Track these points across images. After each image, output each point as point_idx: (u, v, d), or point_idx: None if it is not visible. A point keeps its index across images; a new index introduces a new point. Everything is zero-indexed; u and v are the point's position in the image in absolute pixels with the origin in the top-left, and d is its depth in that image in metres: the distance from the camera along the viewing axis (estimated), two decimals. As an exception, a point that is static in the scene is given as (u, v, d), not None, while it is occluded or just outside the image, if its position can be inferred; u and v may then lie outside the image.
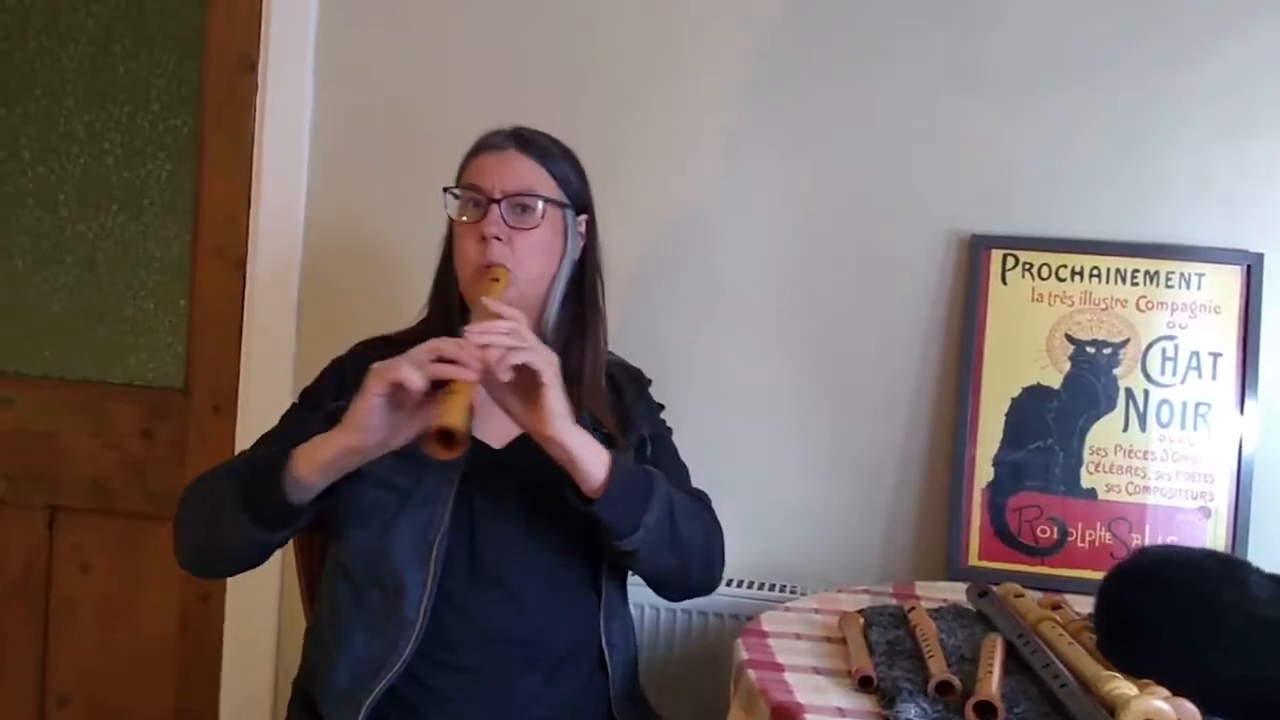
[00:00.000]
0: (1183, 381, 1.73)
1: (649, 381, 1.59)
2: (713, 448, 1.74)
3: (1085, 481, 1.73)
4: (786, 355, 1.86)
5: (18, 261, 2.11)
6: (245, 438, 1.97)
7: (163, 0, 2.04)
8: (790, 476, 1.86)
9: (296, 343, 1.97)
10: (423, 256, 1.89)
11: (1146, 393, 1.73)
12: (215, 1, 2.00)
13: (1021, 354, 1.76)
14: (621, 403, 1.50)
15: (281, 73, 1.96)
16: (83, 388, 2.09)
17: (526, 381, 1.28)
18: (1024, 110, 1.79)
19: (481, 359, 1.23)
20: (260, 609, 1.99)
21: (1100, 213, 1.78)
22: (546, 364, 1.28)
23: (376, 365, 1.25)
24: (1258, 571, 1.21)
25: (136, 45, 2.06)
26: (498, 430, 1.42)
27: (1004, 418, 1.76)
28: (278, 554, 1.43)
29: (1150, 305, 1.75)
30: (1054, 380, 1.75)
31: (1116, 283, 1.75)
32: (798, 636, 1.36)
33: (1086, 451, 1.73)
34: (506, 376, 1.26)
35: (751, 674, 1.22)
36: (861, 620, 1.35)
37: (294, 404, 1.50)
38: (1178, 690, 1.04)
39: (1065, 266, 1.76)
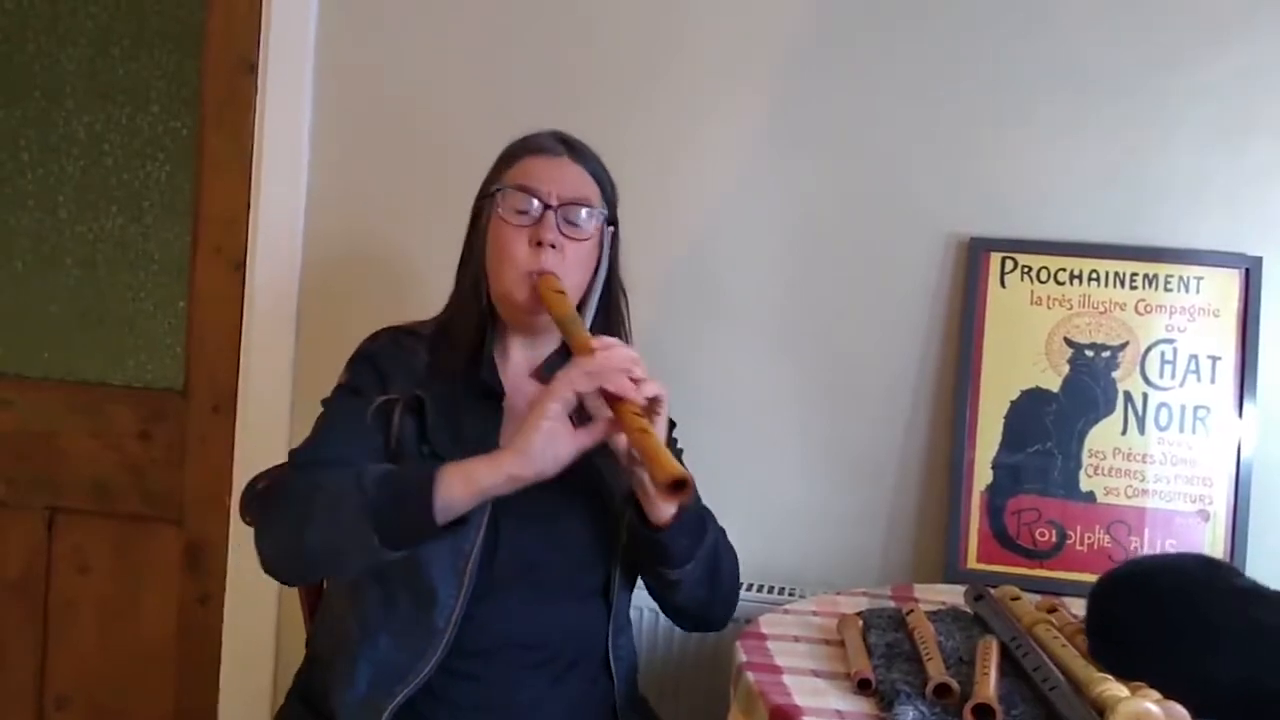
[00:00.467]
0: (1181, 385, 1.73)
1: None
2: (712, 449, 1.74)
3: (1084, 484, 1.73)
4: (786, 356, 1.86)
5: (17, 263, 2.11)
6: (244, 439, 1.98)
7: (162, 2, 2.05)
8: (789, 479, 1.86)
9: (296, 344, 1.97)
10: (422, 257, 1.90)
11: (1145, 396, 1.73)
12: (215, 3, 2.00)
13: (1020, 357, 1.76)
14: None
15: (281, 74, 1.96)
16: (82, 389, 2.09)
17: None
18: (1023, 113, 1.79)
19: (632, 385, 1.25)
20: (259, 610, 2.00)
21: (1099, 216, 1.78)
22: (665, 390, 1.30)
23: (548, 388, 1.24)
24: (1244, 576, 1.22)
25: (136, 47, 2.06)
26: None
27: (1003, 420, 1.76)
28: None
29: (1149, 308, 1.75)
30: (1053, 383, 1.75)
31: (1115, 286, 1.76)
32: (796, 639, 1.36)
33: (1085, 454, 1.73)
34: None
35: (750, 676, 1.22)
36: (860, 623, 1.35)
37: (333, 399, 1.43)
38: (1169, 694, 1.04)
39: (1064, 269, 1.77)
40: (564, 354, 1.45)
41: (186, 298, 2.05)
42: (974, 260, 1.79)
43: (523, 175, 1.42)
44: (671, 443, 1.56)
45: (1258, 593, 1.19)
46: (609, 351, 1.28)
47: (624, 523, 1.37)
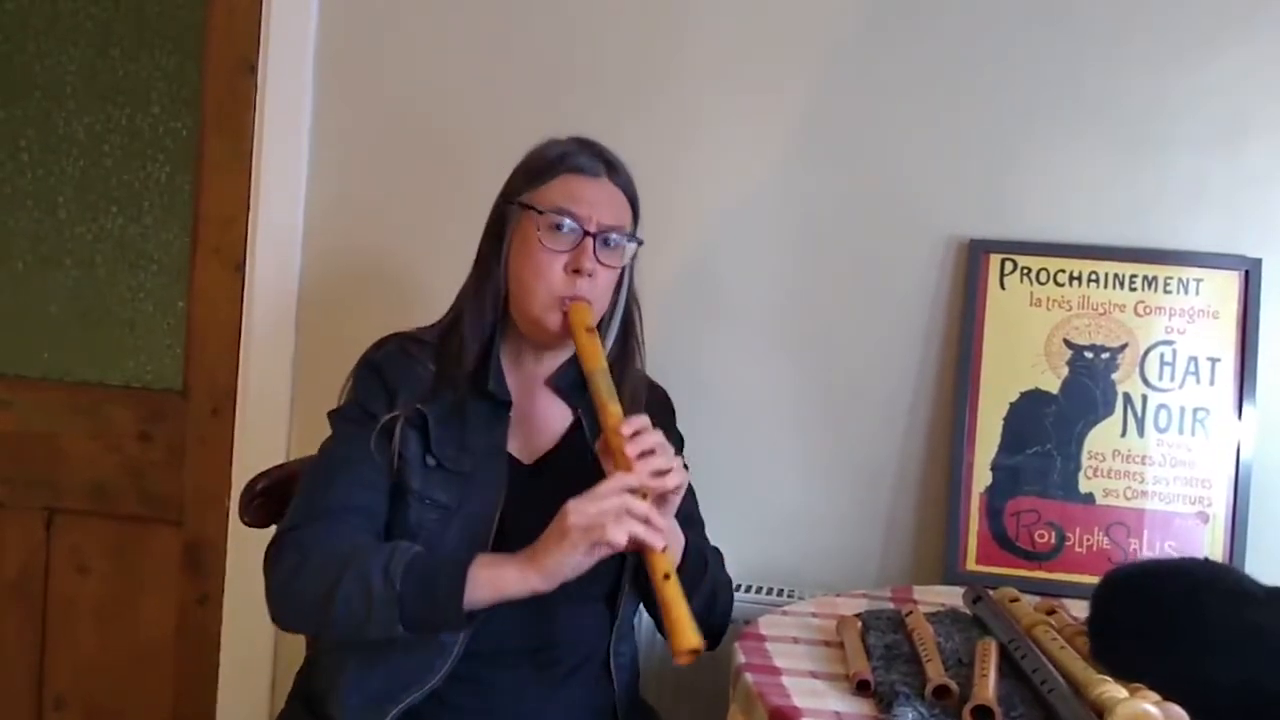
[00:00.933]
0: (1181, 386, 1.73)
1: (673, 409, 1.59)
2: (712, 451, 1.74)
3: (1083, 486, 1.73)
4: (785, 357, 1.86)
5: (17, 263, 2.11)
6: (244, 440, 1.98)
7: (162, 2, 2.05)
8: (789, 480, 1.86)
9: (295, 345, 1.97)
10: (422, 258, 1.90)
11: (1144, 398, 1.73)
12: (215, 4, 2.01)
13: (1020, 358, 1.76)
14: None
15: (281, 75, 1.96)
16: (81, 390, 2.09)
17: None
18: (1023, 115, 1.79)
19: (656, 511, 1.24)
20: (259, 611, 1.95)
21: (1098, 217, 1.78)
22: (685, 476, 1.30)
23: (577, 522, 1.21)
24: (1247, 578, 1.22)
25: (136, 47, 2.06)
26: (529, 446, 1.43)
27: (1002, 422, 1.76)
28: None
29: (1148, 310, 1.75)
30: (1052, 385, 1.75)
31: (1115, 287, 1.76)
32: (795, 640, 1.36)
33: (1084, 456, 1.73)
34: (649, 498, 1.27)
35: (749, 677, 1.22)
36: (859, 624, 1.35)
37: (341, 420, 1.42)
38: (1168, 696, 1.04)
39: (1064, 271, 1.77)
40: (577, 367, 1.43)
41: (186, 298, 2.05)
42: (973, 262, 1.79)
43: (563, 197, 1.39)
44: (681, 459, 1.56)
45: (1258, 595, 1.19)
46: (643, 463, 1.26)
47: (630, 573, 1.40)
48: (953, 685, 1.13)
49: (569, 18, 1.89)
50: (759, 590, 1.77)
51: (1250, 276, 1.73)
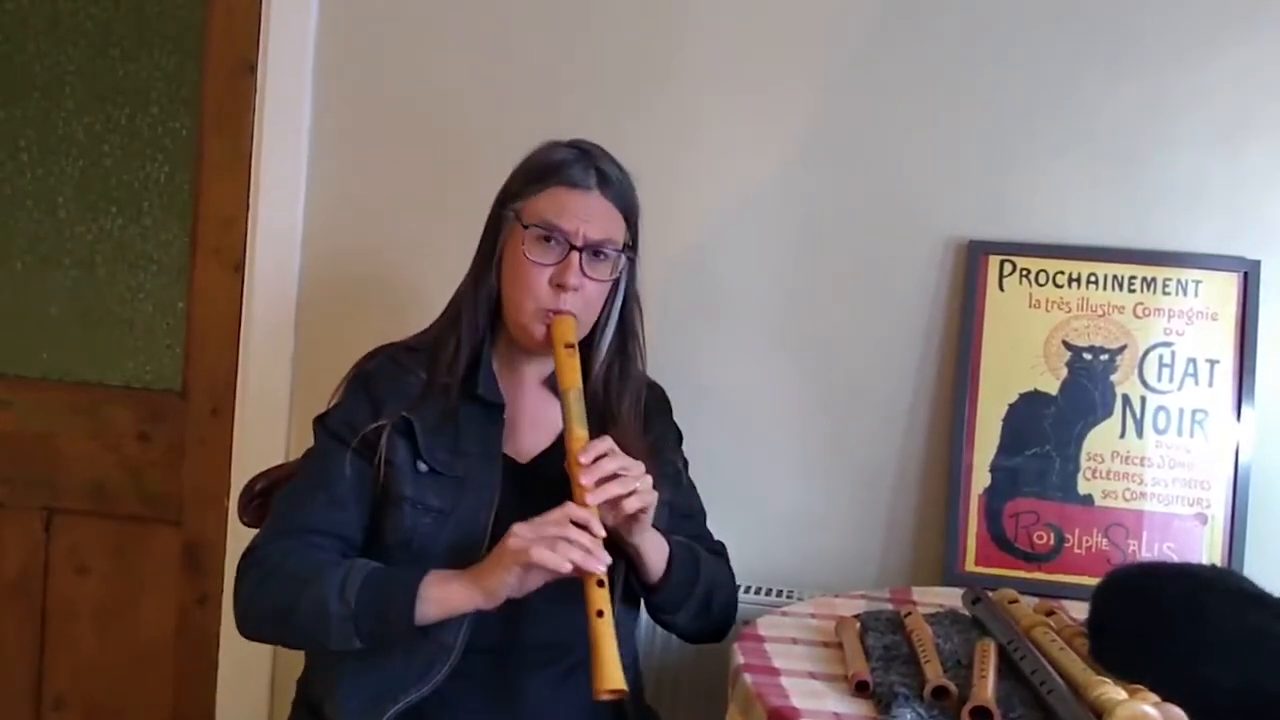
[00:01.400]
0: (1180, 388, 1.73)
1: (670, 406, 1.60)
2: (711, 452, 1.74)
3: (1082, 488, 1.73)
4: (785, 358, 1.86)
5: (16, 263, 2.11)
6: (243, 440, 1.98)
7: (162, 3, 2.05)
8: (788, 481, 1.86)
9: (295, 346, 1.97)
10: (422, 259, 1.90)
11: (1143, 399, 1.74)
12: (215, 4, 2.00)
13: (1019, 360, 1.76)
14: (651, 434, 1.50)
15: (281, 75, 1.96)
16: (80, 390, 2.09)
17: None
18: (1022, 117, 1.79)
19: (601, 536, 1.26)
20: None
21: (1098, 219, 1.78)
22: (652, 497, 1.32)
23: (514, 545, 1.25)
24: (1248, 582, 1.22)
25: (136, 47, 2.06)
26: (523, 446, 1.43)
27: (1001, 423, 1.76)
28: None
29: (1147, 312, 1.75)
30: (1051, 386, 1.75)
31: (1114, 289, 1.76)
32: (794, 641, 1.36)
33: (1083, 457, 1.73)
34: (615, 519, 1.31)
35: (748, 678, 1.22)
36: (858, 625, 1.35)
37: (324, 433, 1.43)
38: (1168, 697, 1.04)
39: (1062, 273, 1.77)
40: None
41: (185, 299, 2.05)
42: (972, 263, 1.79)
43: (551, 210, 1.39)
44: (680, 456, 1.57)
45: (1259, 598, 1.19)
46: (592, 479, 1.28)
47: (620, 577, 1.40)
48: (951, 686, 1.14)
49: (569, 18, 1.89)
50: (758, 591, 1.76)
51: (1249, 278, 1.73)
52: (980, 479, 1.75)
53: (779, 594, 1.76)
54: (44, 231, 2.09)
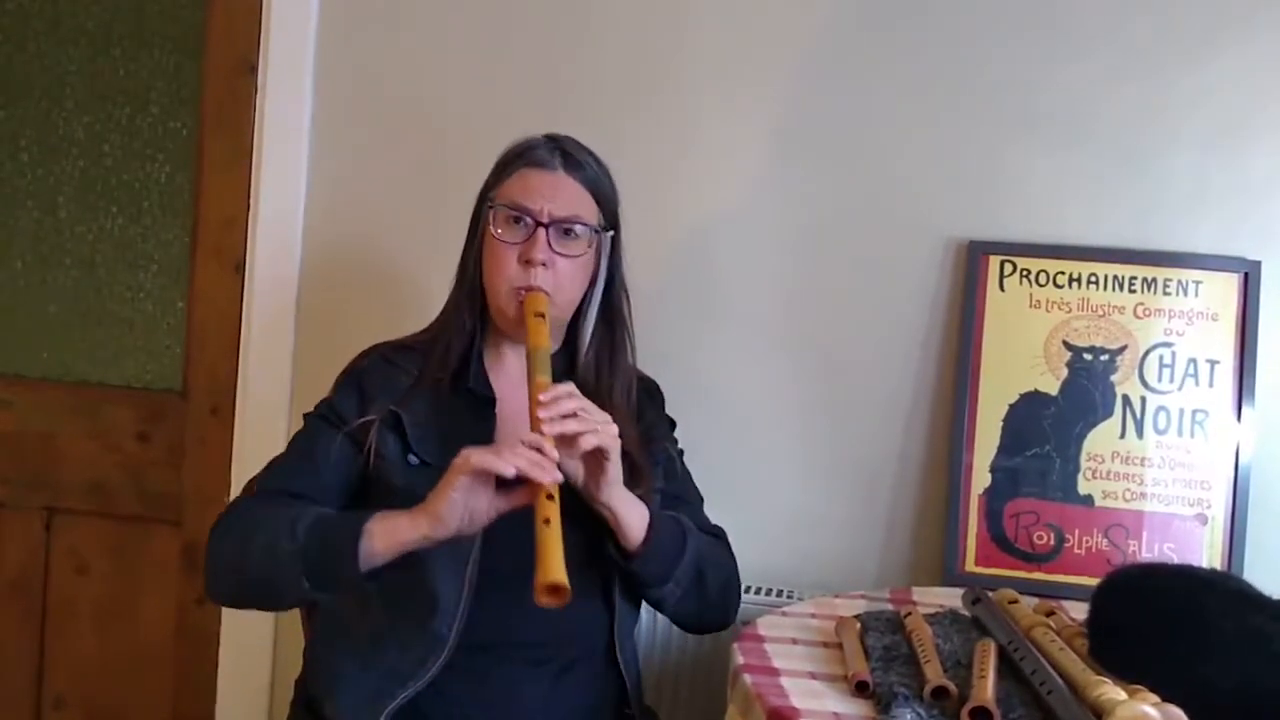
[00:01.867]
0: (1180, 388, 1.73)
1: (662, 396, 1.60)
2: (711, 453, 1.74)
3: (1082, 488, 1.73)
4: (785, 359, 1.86)
5: (16, 263, 2.11)
6: (243, 440, 1.98)
7: (162, 2, 2.05)
8: (788, 481, 1.86)
9: (295, 345, 1.97)
10: (422, 259, 1.90)
11: (1144, 399, 1.73)
12: (215, 4, 2.01)
13: (1019, 360, 1.76)
14: (643, 423, 1.51)
15: (281, 75, 1.96)
16: (80, 389, 2.09)
17: (591, 455, 1.31)
18: (1022, 117, 1.79)
19: (550, 466, 1.24)
20: (258, 612, 1.99)
21: (1098, 219, 1.78)
22: (612, 440, 1.30)
23: (456, 460, 1.25)
24: (1249, 585, 1.22)
25: (136, 47, 2.06)
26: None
27: (1001, 424, 1.76)
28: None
29: (1148, 312, 1.75)
30: (1051, 386, 1.75)
31: (1114, 289, 1.76)
32: (794, 641, 1.36)
33: (1084, 458, 1.73)
34: (575, 461, 1.30)
35: (748, 678, 1.22)
36: (858, 625, 1.35)
37: (313, 416, 1.46)
38: (1167, 698, 1.04)
39: (1063, 273, 1.77)
40: (563, 357, 1.46)
41: (186, 298, 2.05)
42: (973, 263, 1.79)
43: (517, 191, 1.42)
44: (674, 445, 1.57)
45: (1259, 599, 1.19)
46: (548, 414, 1.28)
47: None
48: (951, 686, 1.14)
49: (569, 18, 1.89)
50: (758, 591, 1.76)
51: (1249, 279, 1.73)
52: (980, 479, 1.75)
53: (779, 594, 1.76)
54: (44, 231, 2.09)
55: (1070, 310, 1.76)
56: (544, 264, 1.39)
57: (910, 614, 1.35)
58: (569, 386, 1.32)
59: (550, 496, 1.23)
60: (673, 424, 1.60)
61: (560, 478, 1.25)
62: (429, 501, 1.27)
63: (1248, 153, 1.75)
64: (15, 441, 2.09)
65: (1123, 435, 1.73)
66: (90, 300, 2.09)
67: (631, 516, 1.35)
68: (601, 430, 1.30)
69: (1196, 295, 1.74)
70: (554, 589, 1.17)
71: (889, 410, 1.83)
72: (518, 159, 1.45)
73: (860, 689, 1.18)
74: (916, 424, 1.82)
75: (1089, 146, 1.78)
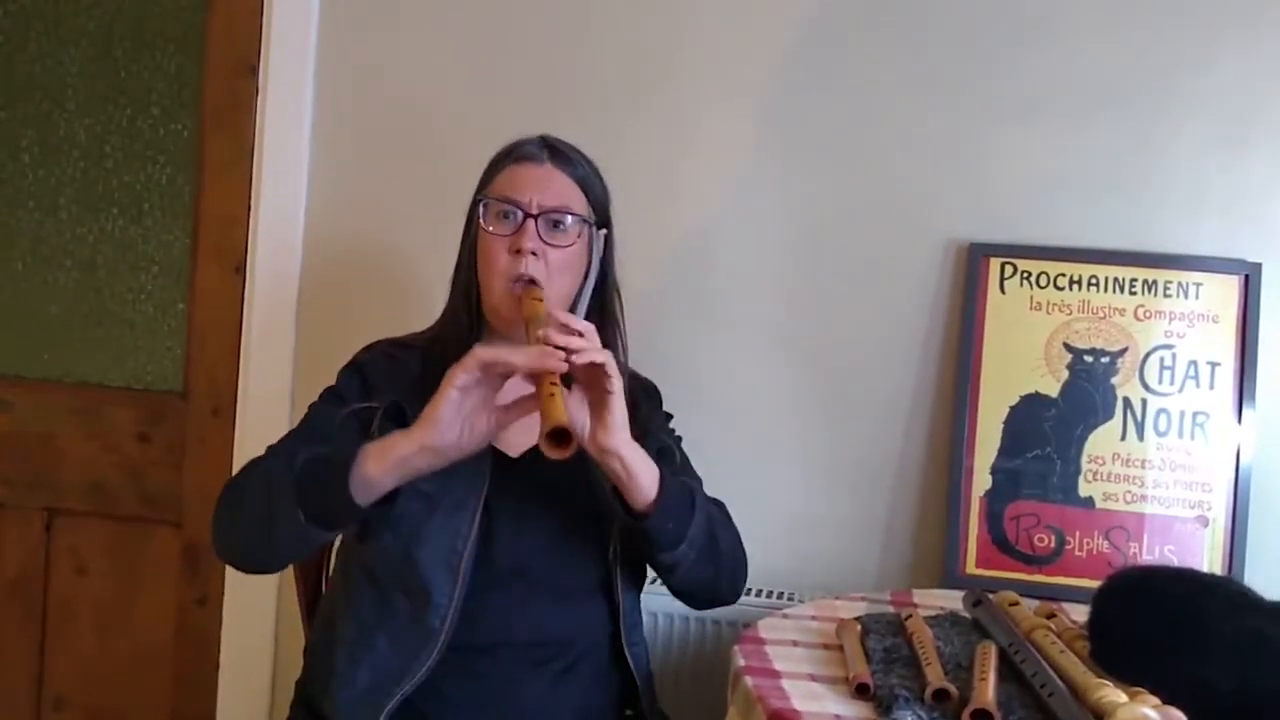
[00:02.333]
0: (1180, 390, 1.73)
1: (659, 395, 1.60)
2: (711, 454, 1.73)
3: (1083, 490, 1.73)
4: (785, 361, 1.86)
5: (17, 264, 2.11)
6: (244, 441, 1.98)
7: (163, 4, 2.05)
8: (788, 483, 1.86)
9: (295, 347, 1.97)
10: (422, 261, 1.90)
11: (1144, 401, 1.73)
12: (216, 5, 2.01)
13: (1019, 362, 1.76)
14: (638, 415, 1.49)
15: (282, 77, 1.96)
16: (81, 390, 2.09)
17: (593, 389, 1.28)
18: (1022, 119, 1.79)
19: (564, 354, 1.23)
20: (258, 612, 1.99)
21: (1098, 221, 1.78)
22: (617, 372, 1.28)
23: (454, 366, 1.24)
24: (1249, 589, 1.22)
25: (137, 49, 2.06)
26: (516, 440, 1.43)
27: (1002, 426, 1.76)
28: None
29: (1148, 314, 1.75)
30: (1052, 389, 1.75)
31: (1115, 291, 1.76)
32: (795, 643, 1.36)
33: (1084, 460, 1.73)
34: (582, 412, 1.28)
35: (748, 680, 1.22)
36: (859, 627, 1.35)
37: (317, 402, 1.47)
38: (1168, 700, 1.04)
39: (1063, 275, 1.77)
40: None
41: (186, 299, 2.06)
42: (973, 266, 1.79)
43: (506, 185, 1.43)
44: (671, 433, 1.57)
45: (1259, 603, 1.19)
46: (557, 329, 1.27)
47: (617, 519, 1.37)
48: (952, 689, 1.14)
49: (569, 18, 1.90)
50: (758, 593, 1.77)
51: (1250, 281, 1.73)
52: (981, 481, 1.75)
53: (779, 596, 1.76)
54: (45, 232, 2.09)
55: (1071, 312, 1.76)
56: (534, 253, 1.39)
57: (911, 616, 1.35)
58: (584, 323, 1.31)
59: (554, 384, 1.21)
60: (669, 416, 1.60)
61: (562, 368, 1.22)
62: (427, 408, 1.25)
63: (1248, 155, 1.75)
64: (16, 442, 2.09)
65: (1123, 437, 1.73)
66: (91, 301, 2.09)
67: (641, 467, 1.30)
68: (598, 349, 1.27)
69: (1197, 297, 1.74)
70: (557, 434, 1.15)
71: (889, 412, 1.83)
72: (506, 157, 1.46)
73: (861, 691, 1.18)
74: (917, 426, 1.82)
75: (1089, 148, 1.78)
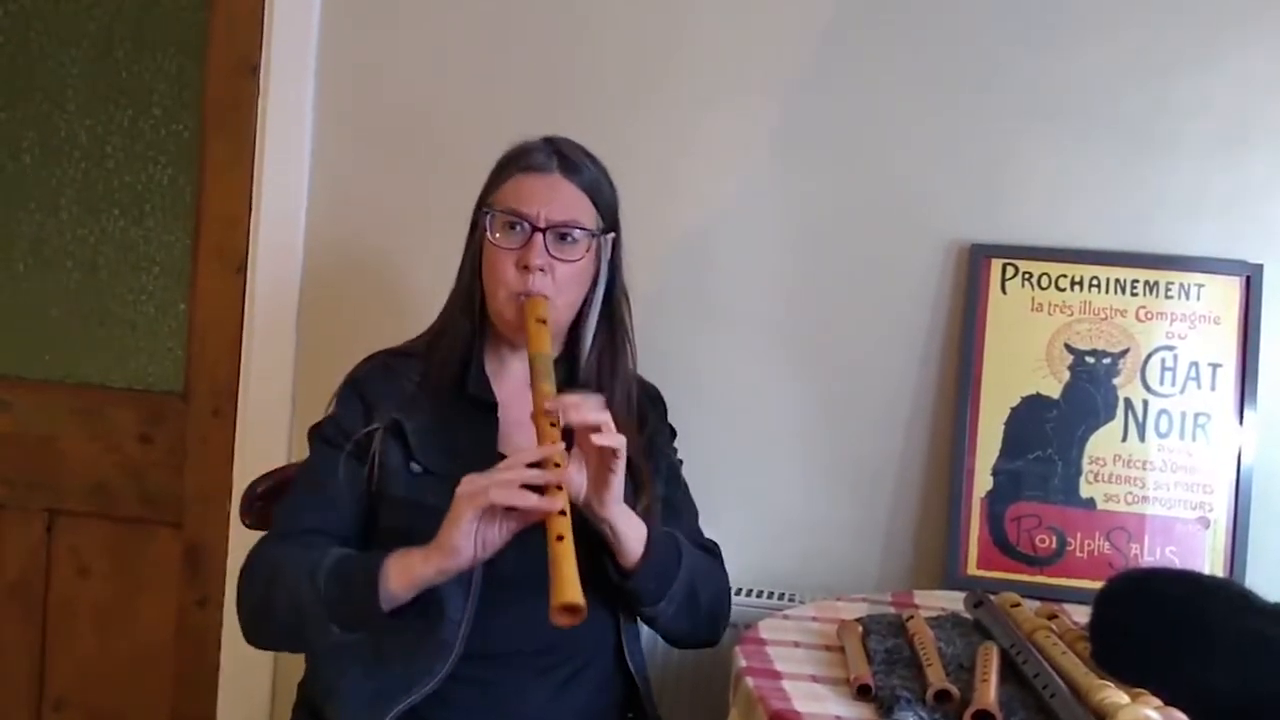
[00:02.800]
0: (1182, 392, 1.73)
1: (664, 404, 1.60)
2: (712, 455, 1.74)
3: (1084, 491, 1.73)
4: (786, 361, 1.86)
5: (18, 264, 2.11)
6: (245, 442, 1.98)
7: (164, 4, 2.05)
8: (789, 484, 1.85)
9: (296, 347, 1.97)
10: (423, 262, 1.90)
11: (1145, 403, 1.73)
12: (217, 6, 2.01)
13: (1021, 363, 1.76)
14: (646, 430, 1.50)
15: (283, 77, 1.96)
16: (82, 391, 2.09)
17: (598, 464, 1.29)
18: (1024, 120, 1.79)
19: (563, 482, 1.23)
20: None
21: (1100, 222, 1.78)
22: (623, 446, 1.28)
23: (464, 490, 1.24)
24: (1250, 591, 1.22)
25: (138, 49, 2.06)
26: (518, 446, 1.42)
27: (1003, 427, 1.75)
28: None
29: (1150, 315, 1.75)
30: (1053, 390, 1.75)
31: (1116, 293, 1.76)
32: (796, 644, 1.36)
33: (1085, 461, 1.73)
34: (580, 475, 1.30)
35: (750, 681, 1.22)
36: (860, 628, 1.35)
37: (317, 438, 1.46)
38: (1170, 702, 1.04)
39: (1065, 276, 1.77)
40: (563, 362, 1.45)
41: (187, 300, 2.05)
42: (974, 267, 1.79)
43: (512, 196, 1.41)
44: (674, 454, 1.57)
45: (1261, 605, 1.19)
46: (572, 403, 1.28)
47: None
48: (954, 690, 1.14)
49: (569, 19, 1.89)
50: (759, 594, 1.76)
51: (1251, 282, 1.73)
52: (982, 482, 1.75)
53: (780, 597, 1.76)
54: (46, 233, 2.09)
55: (1072, 313, 1.76)
56: (542, 269, 1.38)
57: (912, 617, 1.35)
58: (575, 398, 1.31)
59: (563, 512, 1.22)
60: (673, 433, 1.60)
61: (570, 496, 1.24)
62: (441, 535, 1.26)
63: (1249, 156, 1.75)
64: (16, 443, 2.09)
65: (1124, 438, 1.73)
66: (92, 302, 2.09)
67: (630, 533, 1.34)
68: (608, 434, 1.28)
69: (1198, 298, 1.74)
70: (570, 609, 1.16)
71: (890, 413, 1.83)
72: (513, 163, 1.44)
73: (862, 692, 1.18)
74: (918, 427, 1.82)
75: (1091, 149, 1.78)
